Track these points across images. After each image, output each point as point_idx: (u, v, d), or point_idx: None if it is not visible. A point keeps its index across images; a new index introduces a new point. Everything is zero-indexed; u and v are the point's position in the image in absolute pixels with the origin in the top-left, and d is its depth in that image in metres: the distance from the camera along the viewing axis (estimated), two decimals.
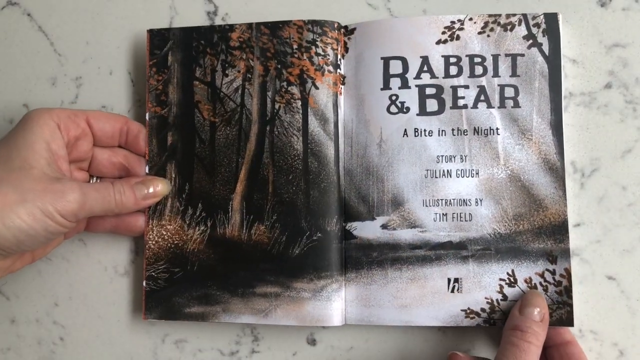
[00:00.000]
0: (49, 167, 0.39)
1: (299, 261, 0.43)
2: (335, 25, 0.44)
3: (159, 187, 0.44)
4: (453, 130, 0.43)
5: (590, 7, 0.44)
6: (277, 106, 0.44)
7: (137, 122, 0.45)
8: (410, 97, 0.44)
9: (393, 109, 0.44)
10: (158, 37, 0.46)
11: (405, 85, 0.44)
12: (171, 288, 0.44)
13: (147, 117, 0.45)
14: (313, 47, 0.44)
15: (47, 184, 0.38)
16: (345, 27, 0.45)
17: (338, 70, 0.44)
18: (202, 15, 0.48)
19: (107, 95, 0.48)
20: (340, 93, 0.44)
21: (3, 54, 0.49)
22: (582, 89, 0.44)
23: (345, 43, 0.45)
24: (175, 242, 0.45)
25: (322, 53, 0.44)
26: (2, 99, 0.49)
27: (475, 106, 0.43)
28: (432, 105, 0.44)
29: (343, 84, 0.44)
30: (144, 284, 0.44)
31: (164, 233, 0.45)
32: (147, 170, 0.45)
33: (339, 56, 0.44)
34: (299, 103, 0.44)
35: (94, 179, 0.45)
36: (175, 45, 0.46)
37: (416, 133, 0.44)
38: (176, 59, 0.46)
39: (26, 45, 0.49)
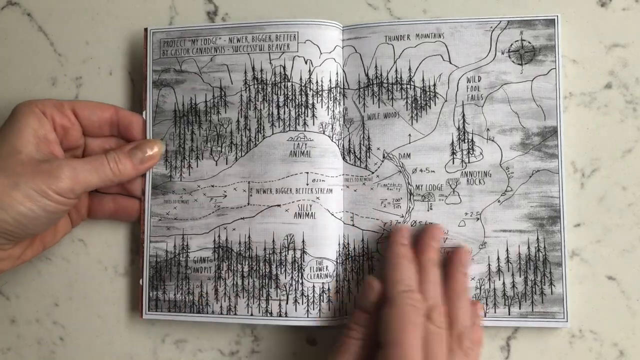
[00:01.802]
0: (38, 152, 0.39)
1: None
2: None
3: (155, 149, 0.44)
4: None
5: (590, 7, 0.45)
6: None
7: (128, 111, 0.45)
8: None
9: None
10: None
11: None
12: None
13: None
14: None
15: (36, 166, 0.38)
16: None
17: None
18: (202, 15, 0.48)
19: (107, 95, 0.48)
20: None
21: (3, 54, 0.49)
22: (582, 89, 0.44)
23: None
24: None
25: None
26: (2, 99, 0.49)
27: None
28: None
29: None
30: (144, 282, 0.44)
31: None
32: None
33: None
34: None
35: None
36: None
37: None
38: None
39: (26, 45, 0.49)
